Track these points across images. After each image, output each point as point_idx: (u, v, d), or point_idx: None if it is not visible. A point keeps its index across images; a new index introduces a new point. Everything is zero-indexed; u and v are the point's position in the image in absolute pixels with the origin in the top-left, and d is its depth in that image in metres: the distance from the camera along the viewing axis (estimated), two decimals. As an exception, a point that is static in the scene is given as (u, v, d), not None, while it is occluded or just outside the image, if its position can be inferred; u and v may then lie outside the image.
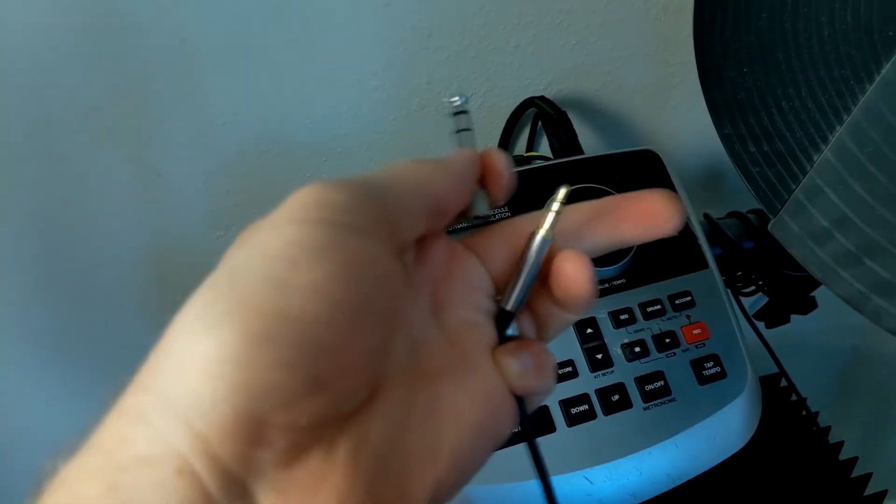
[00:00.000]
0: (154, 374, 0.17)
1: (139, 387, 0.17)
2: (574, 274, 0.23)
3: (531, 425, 0.24)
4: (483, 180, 0.24)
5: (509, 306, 0.24)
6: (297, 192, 0.19)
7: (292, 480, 0.18)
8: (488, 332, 0.24)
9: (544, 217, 0.23)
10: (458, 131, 0.25)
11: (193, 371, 0.17)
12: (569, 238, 0.24)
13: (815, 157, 0.36)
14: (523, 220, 0.25)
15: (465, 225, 0.26)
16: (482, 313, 0.24)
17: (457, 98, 0.25)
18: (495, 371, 0.23)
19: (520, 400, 0.23)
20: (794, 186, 0.37)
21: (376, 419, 0.20)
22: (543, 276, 0.24)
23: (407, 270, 0.22)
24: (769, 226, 0.37)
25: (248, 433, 0.17)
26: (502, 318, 0.24)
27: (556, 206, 0.23)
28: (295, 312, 0.17)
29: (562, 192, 0.23)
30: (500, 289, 0.25)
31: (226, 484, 0.17)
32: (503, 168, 0.24)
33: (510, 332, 0.24)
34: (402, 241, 0.21)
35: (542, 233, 0.23)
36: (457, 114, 0.25)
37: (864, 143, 0.35)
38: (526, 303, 0.25)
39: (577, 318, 0.25)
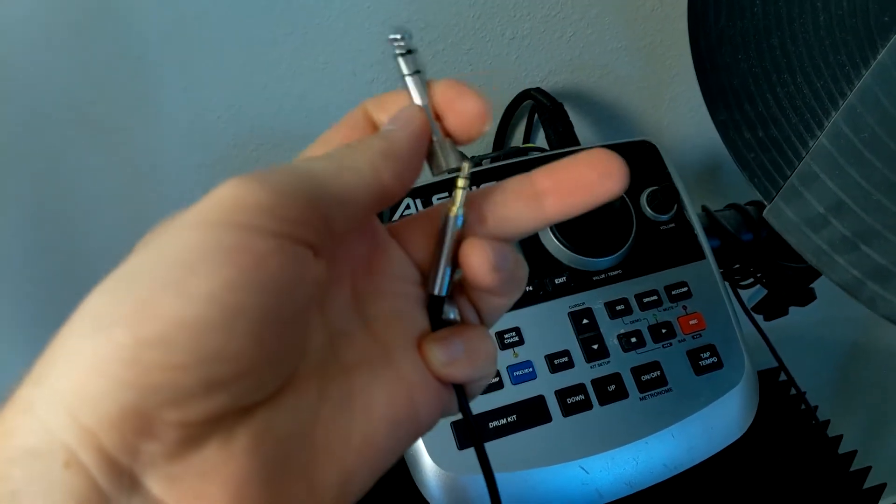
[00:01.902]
0: (45, 368, 0.17)
1: (31, 379, 0.17)
2: (477, 264, 0.22)
3: (469, 411, 0.23)
4: (446, 125, 0.23)
5: (435, 291, 0.23)
6: (215, 190, 0.19)
7: (185, 469, 0.17)
8: (415, 320, 0.23)
9: (454, 196, 0.22)
10: (408, 75, 0.22)
11: (82, 367, 0.16)
12: (491, 221, 0.23)
13: (810, 143, 0.36)
14: (444, 204, 0.23)
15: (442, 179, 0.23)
16: (408, 302, 0.23)
17: (398, 35, 0.22)
18: (418, 362, 0.22)
19: (459, 387, 0.23)
20: (789, 172, 0.36)
21: (283, 411, 0.19)
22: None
23: (327, 267, 0.21)
24: (764, 212, 0.36)
25: (135, 427, 0.17)
26: (432, 304, 0.23)
27: (460, 182, 0.22)
28: (191, 319, 0.17)
29: (465, 168, 0.22)
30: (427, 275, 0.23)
31: (114, 475, 0.17)
32: (466, 99, 0.22)
33: (451, 316, 0.23)
34: (335, 235, 0.20)
35: (452, 212, 0.22)
36: (404, 54, 0.22)
37: (860, 129, 0.35)
38: (460, 286, 0.24)
39: (510, 301, 0.24)
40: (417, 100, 0.22)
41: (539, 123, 0.63)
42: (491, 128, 0.66)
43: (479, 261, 0.22)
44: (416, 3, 0.58)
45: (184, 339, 0.17)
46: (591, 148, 0.23)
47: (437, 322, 0.23)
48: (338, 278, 0.22)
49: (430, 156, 0.23)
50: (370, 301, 0.23)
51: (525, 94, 0.62)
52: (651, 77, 0.69)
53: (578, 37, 0.64)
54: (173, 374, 0.17)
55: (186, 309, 0.17)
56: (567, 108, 0.59)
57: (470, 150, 0.66)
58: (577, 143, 0.59)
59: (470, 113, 0.22)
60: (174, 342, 0.17)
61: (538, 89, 0.61)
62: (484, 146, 0.68)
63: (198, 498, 0.17)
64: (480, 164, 0.55)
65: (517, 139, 0.68)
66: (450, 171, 0.23)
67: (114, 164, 0.59)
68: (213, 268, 0.17)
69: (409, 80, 0.22)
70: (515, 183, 0.23)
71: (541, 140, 0.66)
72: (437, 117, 0.22)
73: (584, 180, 0.22)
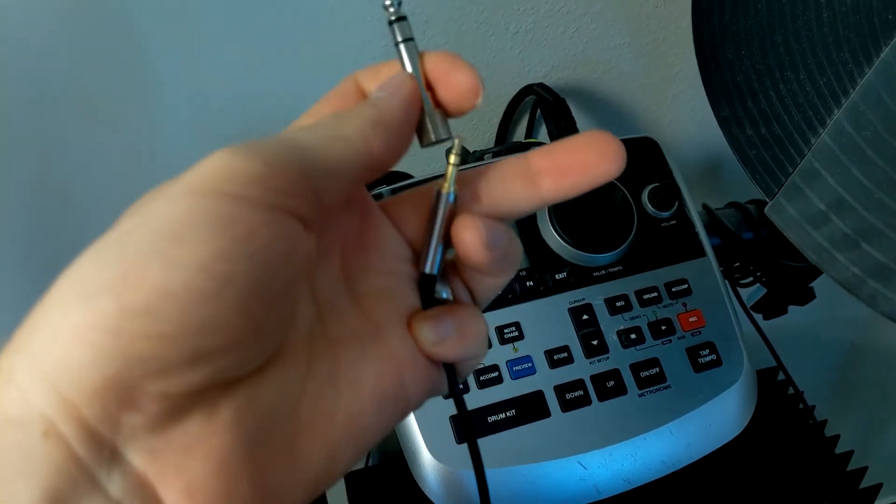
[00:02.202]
0: (27, 336, 0.17)
1: (12, 348, 0.17)
2: (469, 241, 0.22)
3: (459, 390, 0.23)
4: (437, 96, 0.22)
5: (427, 269, 0.23)
6: (205, 159, 0.18)
7: (167, 442, 0.17)
8: (406, 298, 0.23)
9: (445, 172, 0.22)
10: (401, 42, 0.22)
11: (65, 336, 0.16)
12: (485, 200, 0.23)
13: (812, 141, 0.36)
14: (437, 181, 0.23)
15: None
16: (399, 279, 0.23)
17: (390, 0, 0.22)
18: (408, 339, 0.22)
19: (449, 366, 0.23)
20: (791, 170, 0.36)
21: (269, 385, 0.19)
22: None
23: (317, 241, 0.20)
24: (766, 209, 0.36)
25: (116, 398, 0.16)
26: (424, 283, 0.23)
27: (452, 157, 0.22)
28: (178, 289, 0.16)
29: (456, 144, 0.22)
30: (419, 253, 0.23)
31: (94, 446, 0.16)
32: (459, 70, 0.22)
33: (444, 295, 0.23)
34: (325, 208, 0.20)
35: (444, 188, 0.22)
36: (397, 20, 0.22)
37: (863, 127, 0.35)
38: (453, 266, 0.24)
39: (504, 281, 0.24)
40: (409, 67, 0.22)
41: (541, 119, 0.63)
42: (493, 121, 0.66)
43: (471, 237, 0.21)
44: (420, -3, 0.58)
45: (170, 309, 0.16)
46: (585, 133, 0.22)
47: (429, 300, 0.23)
48: (328, 252, 0.22)
49: (420, 126, 0.22)
50: (361, 277, 0.22)
51: (528, 90, 0.62)
52: (654, 74, 0.68)
53: (582, 32, 0.64)
54: (158, 344, 0.16)
55: (173, 278, 0.16)
56: (570, 103, 0.59)
57: (472, 145, 0.66)
58: (579, 140, 0.59)
59: (462, 86, 0.22)
60: (160, 312, 0.16)
61: (541, 84, 0.61)
62: (486, 141, 0.68)
63: (179, 471, 0.17)
64: (482, 159, 0.55)
65: (519, 134, 0.68)
66: (439, 143, 0.23)
67: (114, 153, 0.59)
68: (202, 237, 0.17)
69: (402, 46, 0.22)
70: (512, 162, 0.23)
71: (543, 135, 0.66)
72: (429, 87, 0.22)
73: (582, 161, 0.22)
